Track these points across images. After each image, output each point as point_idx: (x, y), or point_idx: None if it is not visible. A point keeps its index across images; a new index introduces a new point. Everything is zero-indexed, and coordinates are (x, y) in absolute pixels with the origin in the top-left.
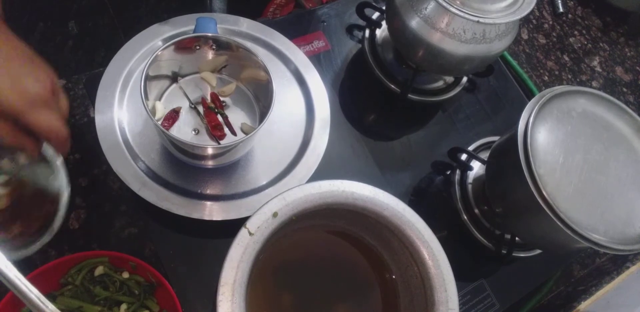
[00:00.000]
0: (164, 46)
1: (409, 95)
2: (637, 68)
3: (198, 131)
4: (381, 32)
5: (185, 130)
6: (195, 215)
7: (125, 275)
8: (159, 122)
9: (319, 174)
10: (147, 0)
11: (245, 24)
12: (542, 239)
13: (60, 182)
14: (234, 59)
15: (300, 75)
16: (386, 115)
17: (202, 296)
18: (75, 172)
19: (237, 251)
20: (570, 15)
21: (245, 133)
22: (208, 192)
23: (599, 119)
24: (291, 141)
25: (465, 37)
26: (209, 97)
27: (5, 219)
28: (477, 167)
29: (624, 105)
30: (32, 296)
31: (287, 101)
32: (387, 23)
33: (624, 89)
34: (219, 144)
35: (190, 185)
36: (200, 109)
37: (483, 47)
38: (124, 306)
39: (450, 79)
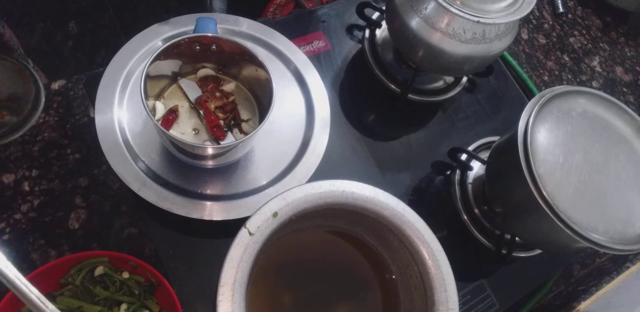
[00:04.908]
0: (164, 46)
1: (409, 95)
2: (637, 68)
3: (198, 131)
4: (381, 32)
5: (185, 130)
6: (195, 215)
7: (125, 275)
8: (159, 122)
9: (319, 174)
10: (147, 0)
11: (245, 24)
12: (542, 239)
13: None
14: (234, 59)
15: (300, 75)
16: (386, 115)
17: (202, 296)
18: (75, 172)
19: (237, 251)
20: (570, 15)
21: (245, 133)
22: (208, 192)
23: (599, 119)
24: (291, 141)
25: (465, 37)
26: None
27: None
28: (477, 167)
29: (624, 105)
30: (32, 296)
31: (287, 101)
32: (387, 23)
33: (624, 89)
34: (219, 144)
35: (190, 185)
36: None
37: (483, 47)
38: (124, 306)
39: (450, 79)
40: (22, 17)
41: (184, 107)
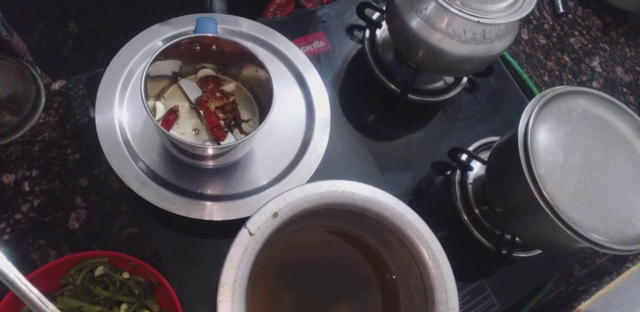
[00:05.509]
0: (164, 46)
1: (409, 95)
2: (637, 68)
3: (198, 131)
4: (381, 32)
5: (185, 130)
6: (195, 215)
7: (125, 275)
8: (159, 123)
9: (319, 174)
10: (147, 0)
11: (246, 24)
12: (542, 239)
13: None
14: (234, 59)
15: (301, 76)
16: (386, 115)
17: (202, 296)
18: (75, 172)
19: (237, 251)
20: (570, 16)
21: (246, 133)
22: (208, 192)
23: (599, 119)
24: (291, 141)
25: (466, 38)
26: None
27: None
28: (477, 168)
29: (624, 106)
30: (32, 296)
31: (287, 101)
32: (387, 23)
33: (624, 89)
34: (219, 144)
35: (190, 185)
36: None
37: (483, 47)
38: (124, 306)
39: (450, 79)
40: (22, 17)
41: (184, 108)
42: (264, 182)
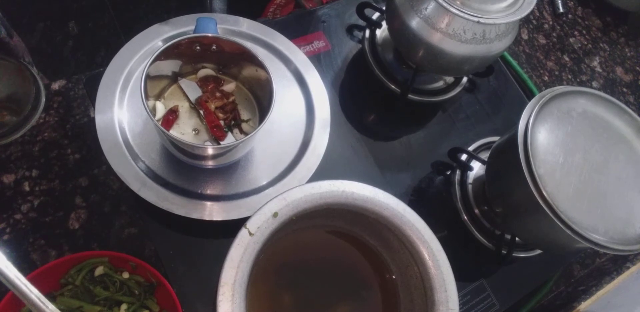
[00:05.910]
0: (164, 46)
1: (409, 95)
2: (637, 68)
3: (198, 131)
4: (381, 32)
5: (185, 130)
6: (195, 215)
7: (125, 275)
8: (159, 123)
9: (319, 174)
10: (147, 0)
11: (245, 24)
12: (542, 239)
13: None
14: (234, 59)
15: (300, 75)
16: (386, 115)
17: (202, 296)
18: (75, 172)
19: (237, 251)
20: (570, 16)
21: (246, 133)
22: (208, 192)
23: (599, 119)
24: (291, 141)
25: (465, 38)
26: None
27: None
28: (477, 168)
29: (624, 106)
30: (32, 296)
31: (287, 101)
32: (387, 23)
33: (624, 89)
34: (219, 144)
35: (190, 185)
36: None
37: (483, 47)
38: (124, 306)
39: (450, 79)
40: (22, 17)
41: (184, 108)
42: (264, 182)
